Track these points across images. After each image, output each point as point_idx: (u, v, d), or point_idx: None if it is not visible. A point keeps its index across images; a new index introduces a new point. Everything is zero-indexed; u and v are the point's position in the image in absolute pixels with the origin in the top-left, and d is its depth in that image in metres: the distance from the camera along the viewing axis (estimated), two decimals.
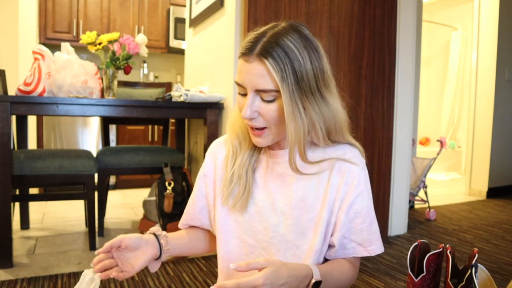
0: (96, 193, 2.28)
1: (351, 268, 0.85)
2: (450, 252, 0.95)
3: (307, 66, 0.74)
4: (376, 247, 0.85)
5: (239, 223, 0.87)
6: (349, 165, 0.83)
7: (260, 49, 0.73)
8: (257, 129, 0.79)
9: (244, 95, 0.78)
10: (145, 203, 2.40)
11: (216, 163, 0.92)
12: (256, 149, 0.88)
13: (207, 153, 0.96)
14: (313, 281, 0.73)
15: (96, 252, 0.78)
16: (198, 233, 0.97)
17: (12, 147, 2.19)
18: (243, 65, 0.75)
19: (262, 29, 0.77)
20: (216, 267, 0.97)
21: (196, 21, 2.70)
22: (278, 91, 0.73)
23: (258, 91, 0.75)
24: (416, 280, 0.97)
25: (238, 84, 0.78)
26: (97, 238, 2.36)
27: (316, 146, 0.84)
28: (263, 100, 0.76)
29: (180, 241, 0.92)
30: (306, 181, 0.83)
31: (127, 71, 2.27)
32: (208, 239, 0.98)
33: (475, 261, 0.90)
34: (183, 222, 0.98)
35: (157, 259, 0.84)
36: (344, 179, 0.82)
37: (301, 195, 0.82)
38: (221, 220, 0.89)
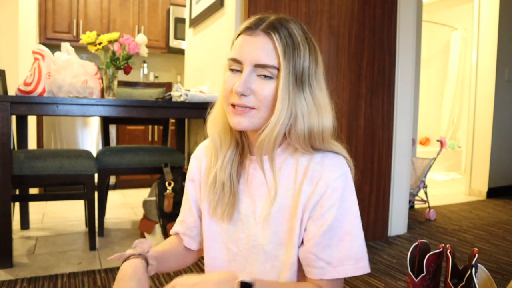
0: (96, 193, 2.28)
1: None
2: (450, 252, 0.95)
3: (306, 57, 0.74)
4: (347, 268, 0.74)
5: (224, 229, 0.86)
6: (323, 173, 0.75)
7: (268, 24, 0.73)
8: (243, 107, 0.74)
9: (237, 71, 0.75)
10: (145, 203, 2.39)
11: (200, 166, 0.90)
12: (237, 151, 0.84)
13: (192, 156, 0.93)
14: (239, 279, 0.67)
15: None
16: (178, 248, 0.94)
17: (12, 147, 2.19)
18: (246, 39, 0.74)
19: (264, 14, 0.77)
20: None
21: (196, 21, 2.70)
22: (277, 69, 0.72)
23: (257, 66, 0.73)
24: (416, 280, 0.97)
25: (234, 60, 0.75)
26: (97, 238, 2.36)
27: (300, 154, 0.79)
28: (259, 77, 0.74)
29: (163, 258, 0.87)
30: (286, 190, 0.79)
31: (127, 71, 2.26)
32: (187, 254, 0.96)
33: (475, 261, 0.90)
34: (180, 230, 0.94)
35: None
36: (317, 188, 0.75)
37: (280, 204, 0.79)
38: (206, 226, 0.88)
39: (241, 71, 0.74)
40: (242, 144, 0.84)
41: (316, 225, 0.75)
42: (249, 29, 0.74)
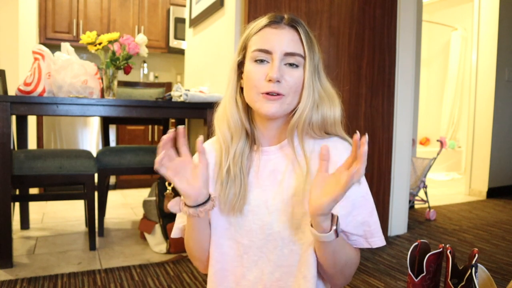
0: (96, 193, 2.28)
1: (355, 250, 0.83)
2: (450, 252, 0.95)
3: (317, 51, 0.83)
4: (377, 239, 0.82)
5: (232, 224, 0.86)
6: (339, 155, 0.80)
7: (291, 19, 0.82)
8: (275, 94, 0.79)
9: (262, 62, 0.80)
10: (145, 203, 2.39)
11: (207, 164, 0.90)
12: (247, 144, 0.87)
13: (196, 157, 0.93)
14: (335, 213, 0.73)
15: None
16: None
17: (12, 147, 2.19)
18: (272, 31, 0.81)
19: (277, 13, 0.85)
20: None
21: (196, 21, 2.70)
22: (303, 58, 0.80)
23: (287, 55, 0.79)
24: (416, 280, 0.97)
25: (262, 51, 0.80)
26: (97, 238, 2.36)
27: (308, 138, 0.84)
28: (286, 66, 0.80)
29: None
30: (297, 176, 0.82)
31: (127, 71, 2.26)
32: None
33: (475, 261, 0.90)
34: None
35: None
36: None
37: (293, 191, 0.82)
38: (213, 222, 0.87)
39: (267, 62, 0.80)
40: (252, 136, 0.87)
41: (344, 207, 0.80)
42: (274, 23, 0.82)
